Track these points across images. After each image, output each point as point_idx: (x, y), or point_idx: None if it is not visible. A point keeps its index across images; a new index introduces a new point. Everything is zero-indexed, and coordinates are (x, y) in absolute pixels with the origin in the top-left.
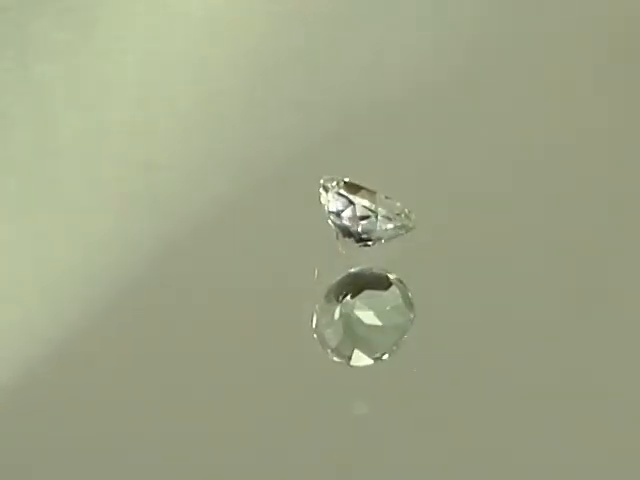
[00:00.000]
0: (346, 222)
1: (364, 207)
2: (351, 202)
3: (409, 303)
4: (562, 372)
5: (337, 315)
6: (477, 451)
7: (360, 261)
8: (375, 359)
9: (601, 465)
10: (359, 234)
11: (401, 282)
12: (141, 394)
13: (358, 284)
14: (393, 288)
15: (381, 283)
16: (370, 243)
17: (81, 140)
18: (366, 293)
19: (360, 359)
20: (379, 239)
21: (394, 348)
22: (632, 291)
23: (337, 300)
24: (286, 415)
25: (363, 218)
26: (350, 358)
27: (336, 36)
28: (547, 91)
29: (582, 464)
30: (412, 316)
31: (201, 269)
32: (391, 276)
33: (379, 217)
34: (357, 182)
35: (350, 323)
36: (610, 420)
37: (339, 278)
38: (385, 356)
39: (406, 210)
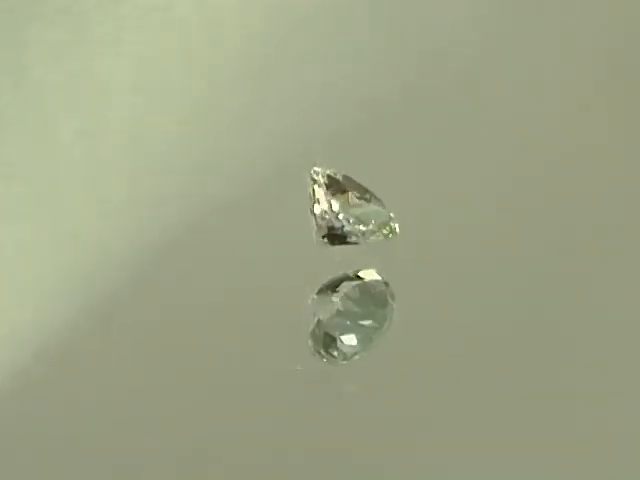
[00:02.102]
0: (319, 216)
1: (337, 205)
2: (327, 197)
3: (389, 307)
4: (558, 373)
5: (315, 311)
6: (467, 453)
7: (361, 262)
8: (345, 360)
9: (598, 464)
10: (326, 230)
11: (388, 286)
12: (140, 395)
13: (344, 284)
14: (379, 292)
15: (368, 286)
16: (347, 242)
17: (78, 141)
18: (347, 293)
19: (330, 357)
20: (347, 239)
21: (365, 350)
22: (627, 297)
23: (320, 296)
24: (284, 414)
25: (334, 215)
26: (320, 354)
27: (335, 36)
28: (546, 92)
29: (578, 464)
30: (388, 324)
31: (201, 269)
32: (373, 279)
33: (345, 218)
34: (351, 179)
35: (322, 321)
36: (600, 418)
37: (334, 277)
38: (356, 357)
39: (390, 216)
